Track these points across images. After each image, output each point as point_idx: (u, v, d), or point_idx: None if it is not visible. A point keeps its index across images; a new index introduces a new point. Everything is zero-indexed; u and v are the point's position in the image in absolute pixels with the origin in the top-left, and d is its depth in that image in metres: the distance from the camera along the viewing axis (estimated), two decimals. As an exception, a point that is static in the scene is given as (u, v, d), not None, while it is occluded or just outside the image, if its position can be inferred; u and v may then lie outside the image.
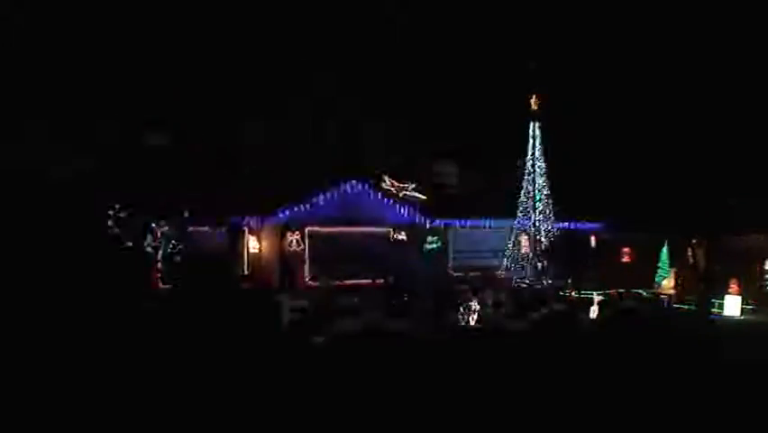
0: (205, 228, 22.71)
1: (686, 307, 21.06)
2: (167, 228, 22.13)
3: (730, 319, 19.62)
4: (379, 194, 25.83)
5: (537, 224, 26.04)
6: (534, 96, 26.06)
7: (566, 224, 27.05)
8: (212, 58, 26.29)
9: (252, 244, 24.30)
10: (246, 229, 24.14)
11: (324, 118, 28.44)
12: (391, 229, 25.60)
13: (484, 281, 22.06)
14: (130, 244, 20.67)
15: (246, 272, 23.88)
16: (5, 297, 15.29)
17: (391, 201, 26.01)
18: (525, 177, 26.43)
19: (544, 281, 24.82)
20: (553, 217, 26.19)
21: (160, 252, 22.30)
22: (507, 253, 26.31)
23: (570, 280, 24.28)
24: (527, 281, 25.23)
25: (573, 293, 22.97)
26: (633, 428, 8.00)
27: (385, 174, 26.23)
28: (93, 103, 23.34)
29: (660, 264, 23.35)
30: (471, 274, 24.50)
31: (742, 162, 24.62)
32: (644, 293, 22.46)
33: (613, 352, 11.80)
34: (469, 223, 27.26)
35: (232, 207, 22.83)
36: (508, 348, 10.64)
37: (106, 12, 24.40)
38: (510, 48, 28.71)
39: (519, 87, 26.58)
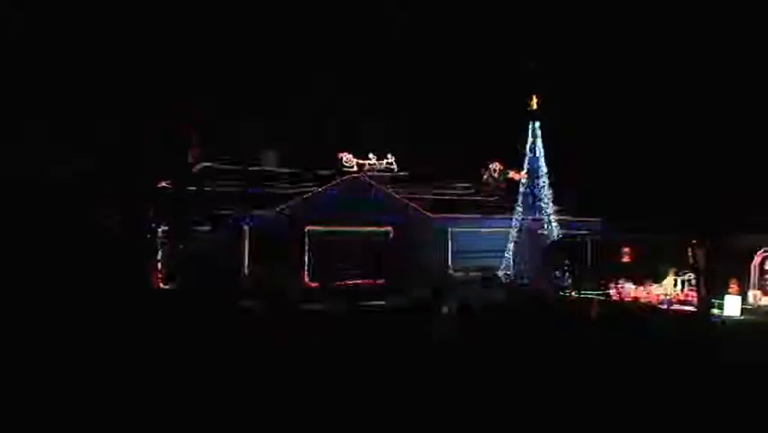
0: (206, 228, 22.72)
1: (687, 308, 21.01)
2: (168, 228, 22.18)
3: (730, 319, 19.59)
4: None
5: (538, 223, 26.01)
6: (534, 96, 26.06)
7: (566, 225, 27.04)
8: (212, 57, 26.30)
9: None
10: (246, 228, 24.14)
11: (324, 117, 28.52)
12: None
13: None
14: (129, 243, 20.70)
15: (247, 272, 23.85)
16: (6, 296, 15.34)
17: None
18: (526, 177, 26.38)
19: (544, 282, 24.79)
20: (553, 217, 26.15)
21: (161, 252, 22.35)
22: (507, 253, 26.28)
23: (570, 281, 24.26)
24: (527, 281, 25.21)
25: (573, 293, 22.94)
26: (633, 427, 8.00)
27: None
28: (93, 103, 23.32)
29: (660, 264, 23.29)
30: (472, 274, 24.50)
31: (742, 162, 24.62)
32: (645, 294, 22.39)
33: (613, 352, 11.83)
34: (468, 223, 27.26)
35: (233, 205, 22.84)
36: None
37: (106, 12, 24.39)
38: (510, 48, 28.75)
39: (519, 86, 26.61)
